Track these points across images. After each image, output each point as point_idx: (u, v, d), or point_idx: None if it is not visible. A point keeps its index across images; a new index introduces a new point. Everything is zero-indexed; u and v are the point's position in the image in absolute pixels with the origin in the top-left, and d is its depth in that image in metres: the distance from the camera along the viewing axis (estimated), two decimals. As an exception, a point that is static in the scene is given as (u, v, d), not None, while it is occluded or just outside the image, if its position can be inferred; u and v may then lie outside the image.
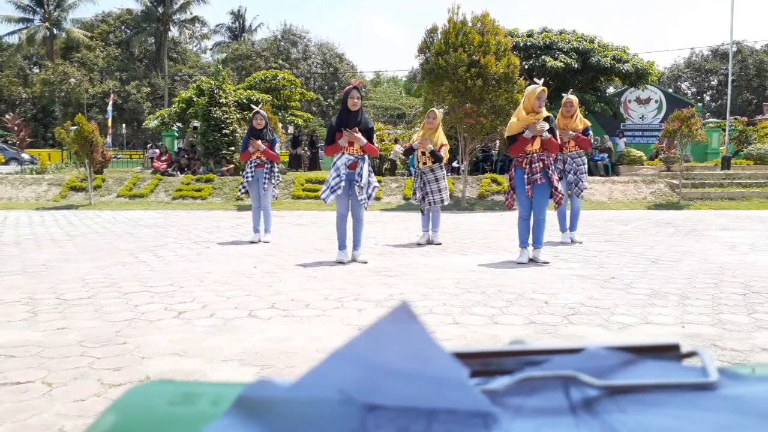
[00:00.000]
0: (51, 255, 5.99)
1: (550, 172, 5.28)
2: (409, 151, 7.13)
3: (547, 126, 5.20)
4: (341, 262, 5.40)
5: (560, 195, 5.35)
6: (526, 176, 5.25)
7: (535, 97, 5.20)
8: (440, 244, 6.69)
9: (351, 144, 5.30)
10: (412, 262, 5.47)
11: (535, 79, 5.51)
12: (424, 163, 6.71)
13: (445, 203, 6.85)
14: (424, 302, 3.86)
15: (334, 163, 5.37)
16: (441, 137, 6.75)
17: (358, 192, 5.31)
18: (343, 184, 5.27)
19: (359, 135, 5.25)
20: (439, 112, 6.94)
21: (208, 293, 4.14)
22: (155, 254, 6.00)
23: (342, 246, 5.52)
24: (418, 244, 6.68)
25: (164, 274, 4.89)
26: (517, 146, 5.26)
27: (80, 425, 2.06)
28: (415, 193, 6.90)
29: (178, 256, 5.85)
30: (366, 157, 5.40)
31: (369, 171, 5.44)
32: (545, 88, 5.24)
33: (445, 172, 6.87)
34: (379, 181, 14.19)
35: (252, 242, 6.89)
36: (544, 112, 5.25)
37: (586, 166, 6.90)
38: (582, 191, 6.85)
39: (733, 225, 8.89)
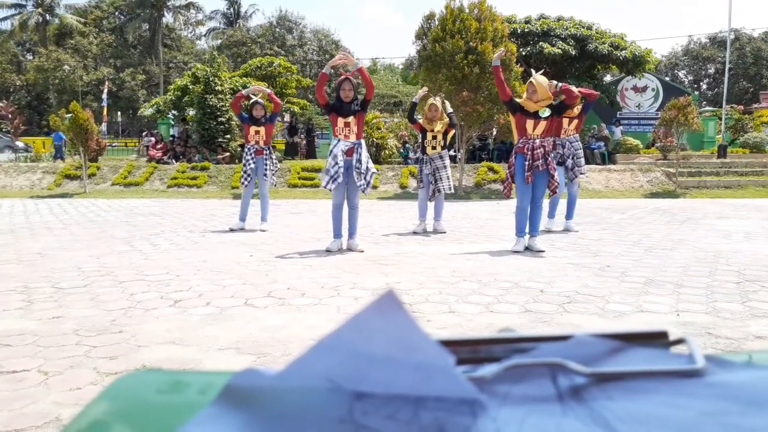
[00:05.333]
0: (46, 243, 5.97)
1: (550, 159, 5.26)
2: (413, 110, 6.98)
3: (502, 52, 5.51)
4: (329, 250, 5.40)
5: (556, 183, 5.36)
6: (527, 162, 5.22)
7: (526, 89, 5.21)
8: (445, 232, 6.69)
9: (347, 125, 5.28)
10: (408, 251, 5.48)
11: (533, 71, 5.49)
12: (434, 148, 6.69)
13: (452, 190, 6.87)
14: (420, 290, 3.87)
15: (331, 150, 5.36)
16: (444, 123, 6.72)
17: (356, 177, 5.28)
18: (342, 171, 5.24)
19: (351, 58, 5.27)
20: (438, 101, 6.85)
21: (204, 282, 4.14)
22: (151, 243, 5.99)
23: (337, 234, 5.52)
24: (415, 233, 6.69)
25: (160, 262, 4.89)
26: (501, 78, 5.34)
27: (76, 414, 2.06)
28: (421, 181, 6.87)
29: (174, 245, 5.84)
30: (362, 142, 5.39)
31: (367, 157, 5.42)
32: (532, 81, 5.16)
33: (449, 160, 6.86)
34: (376, 170, 14.16)
35: (231, 230, 6.85)
36: (546, 101, 5.17)
37: (582, 151, 6.92)
38: (577, 176, 6.82)
39: (728, 213, 8.92)
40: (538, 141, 5.22)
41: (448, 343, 0.44)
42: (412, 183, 12.46)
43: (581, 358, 0.42)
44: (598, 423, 0.37)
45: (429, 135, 6.68)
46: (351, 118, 5.29)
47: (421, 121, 6.85)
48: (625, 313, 3.35)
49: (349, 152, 5.31)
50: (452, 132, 6.91)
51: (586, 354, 0.43)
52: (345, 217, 5.58)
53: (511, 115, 5.44)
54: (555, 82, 5.18)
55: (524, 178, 5.25)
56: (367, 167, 5.36)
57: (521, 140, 5.29)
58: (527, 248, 5.43)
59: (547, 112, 5.18)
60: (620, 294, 3.77)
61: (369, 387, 0.39)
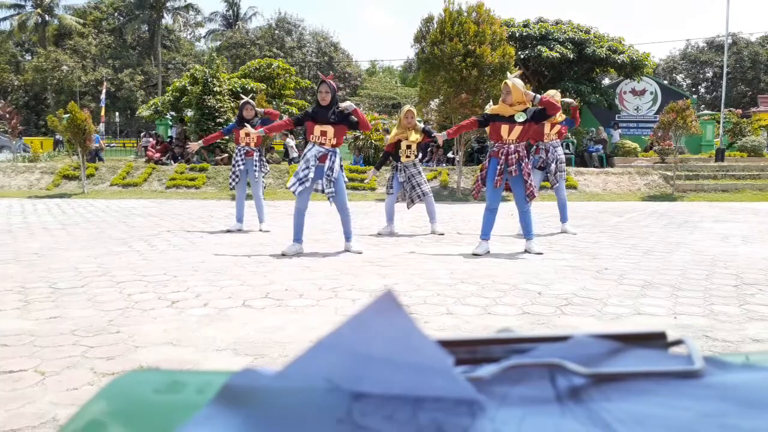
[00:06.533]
0: (44, 243, 5.96)
1: (524, 164, 5.19)
2: (387, 155, 7.12)
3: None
4: (284, 254, 5.24)
5: (531, 188, 5.21)
6: (499, 167, 5.17)
7: (503, 90, 5.13)
8: (443, 234, 6.69)
9: (324, 134, 5.17)
10: (406, 253, 5.48)
11: (508, 73, 5.50)
12: (408, 156, 6.71)
13: (430, 193, 6.86)
14: (418, 292, 3.87)
15: (305, 154, 5.26)
16: (420, 135, 6.78)
17: (326, 185, 5.16)
18: (311, 176, 5.13)
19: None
20: (414, 109, 7.03)
21: (201, 282, 4.13)
22: (149, 243, 5.98)
23: (297, 239, 5.37)
24: (380, 234, 6.70)
25: (158, 263, 4.88)
26: (456, 130, 5.47)
27: (73, 414, 2.06)
28: (391, 187, 6.89)
29: (172, 246, 5.83)
30: (337, 150, 5.29)
31: (340, 166, 5.31)
32: (507, 82, 5.08)
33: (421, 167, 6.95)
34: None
35: (229, 231, 6.87)
36: (521, 105, 5.08)
37: (563, 155, 6.97)
38: (559, 181, 6.82)
39: (726, 217, 8.94)
40: (512, 146, 5.15)
41: (446, 344, 0.44)
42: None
43: (580, 358, 0.42)
44: (596, 424, 0.37)
45: (403, 144, 6.71)
46: (328, 127, 5.15)
47: (393, 132, 6.91)
48: (622, 316, 3.35)
49: (322, 158, 5.18)
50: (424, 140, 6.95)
51: (584, 355, 0.43)
52: (337, 219, 5.56)
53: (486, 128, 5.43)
54: (534, 93, 5.08)
55: (494, 182, 5.20)
56: (339, 176, 5.25)
57: (496, 145, 5.22)
58: (526, 251, 5.42)
59: (522, 117, 5.07)
60: (618, 296, 3.77)
61: (367, 387, 0.39)
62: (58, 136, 24.72)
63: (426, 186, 6.77)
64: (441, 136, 5.70)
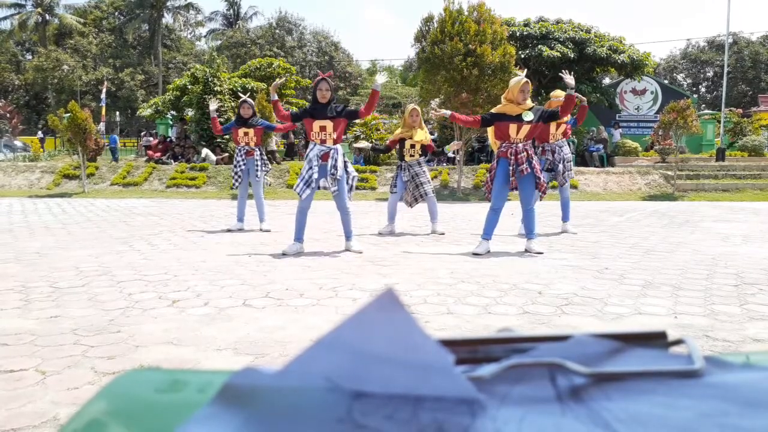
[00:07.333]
0: (44, 243, 5.96)
1: (534, 161, 5.20)
2: (388, 149, 7.11)
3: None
4: (284, 254, 5.22)
5: (544, 185, 5.25)
6: (511, 167, 5.15)
7: (518, 89, 5.05)
8: (444, 233, 6.69)
9: (323, 129, 5.18)
10: (406, 252, 5.48)
11: (517, 71, 5.48)
12: (412, 156, 6.71)
13: (433, 193, 6.88)
14: (418, 292, 3.87)
15: (307, 155, 5.26)
16: (424, 134, 6.77)
17: (330, 183, 5.17)
18: (316, 176, 5.14)
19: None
20: (419, 108, 7.01)
21: (202, 282, 4.13)
22: (149, 243, 5.98)
23: (298, 238, 5.36)
24: (380, 233, 6.70)
25: (158, 262, 4.88)
26: (462, 120, 5.34)
27: (74, 413, 2.05)
28: (395, 186, 6.88)
29: (173, 245, 5.83)
30: (339, 147, 5.28)
31: (345, 161, 5.33)
32: (528, 80, 5.10)
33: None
34: (374, 171, 14.16)
35: (229, 230, 6.87)
36: (529, 103, 5.13)
37: (570, 155, 6.96)
38: (567, 180, 6.84)
39: (726, 216, 8.93)
40: (521, 145, 5.14)
41: (447, 343, 0.44)
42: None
43: (580, 358, 0.42)
44: (596, 423, 0.37)
45: (407, 143, 6.71)
46: (327, 122, 5.15)
47: (398, 131, 6.88)
48: (623, 315, 3.35)
49: (324, 157, 5.18)
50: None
51: (585, 354, 0.43)
52: (341, 222, 5.54)
53: (488, 129, 5.39)
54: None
55: (505, 182, 5.18)
56: (346, 172, 5.28)
57: (504, 145, 5.19)
58: (526, 250, 5.42)
59: (530, 116, 5.06)
60: (618, 296, 3.77)
61: (368, 386, 0.39)
62: (39, 134, 24.80)
63: (429, 186, 6.78)
64: (444, 113, 5.52)
